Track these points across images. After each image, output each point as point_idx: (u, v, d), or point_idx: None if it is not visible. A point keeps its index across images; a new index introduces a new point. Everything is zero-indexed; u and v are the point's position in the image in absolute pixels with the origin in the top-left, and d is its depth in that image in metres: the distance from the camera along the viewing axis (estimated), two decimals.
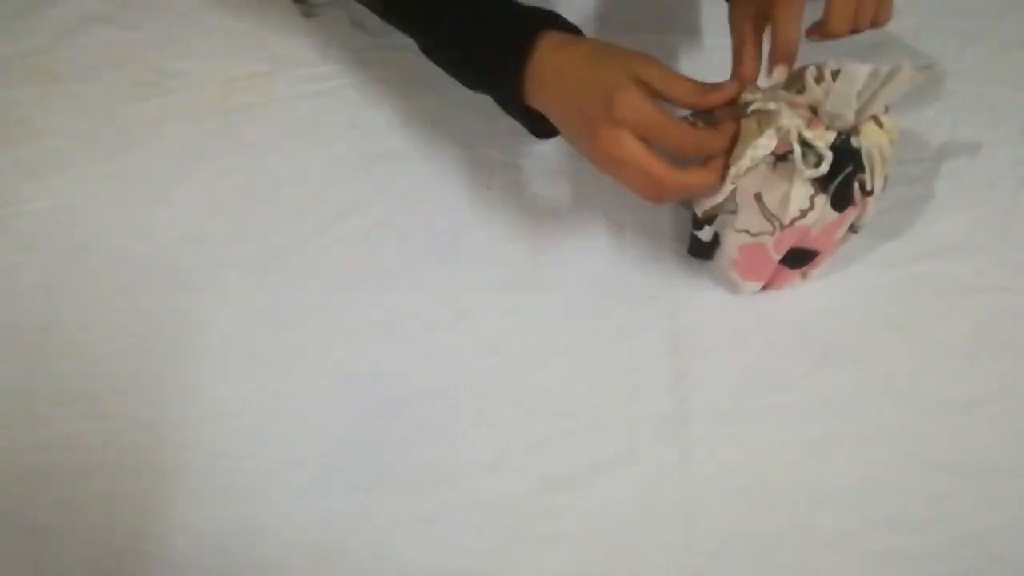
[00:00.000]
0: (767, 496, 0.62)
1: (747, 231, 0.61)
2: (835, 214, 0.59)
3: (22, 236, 0.73)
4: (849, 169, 0.57)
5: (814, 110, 0.56)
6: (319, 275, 0.71)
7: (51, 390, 0.68)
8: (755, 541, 0.61)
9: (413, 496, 0.63)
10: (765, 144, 0.56)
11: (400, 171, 0.74)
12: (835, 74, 0.55)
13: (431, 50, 0.65)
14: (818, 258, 0.64)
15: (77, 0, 0.83)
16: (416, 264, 0.71)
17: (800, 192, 0.57)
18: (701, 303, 0.68)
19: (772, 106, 0.56)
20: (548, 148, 0.74)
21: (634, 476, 0.63)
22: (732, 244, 0.64)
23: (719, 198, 0.60)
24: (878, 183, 0.58)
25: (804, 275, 0.67)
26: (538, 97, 0.58)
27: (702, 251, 0.67)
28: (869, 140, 0.57)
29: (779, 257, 0.63)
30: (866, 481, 0.62)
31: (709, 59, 0.77)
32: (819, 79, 0.56)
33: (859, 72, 0.54)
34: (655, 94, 0.56)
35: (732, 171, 0.57)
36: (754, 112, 0.57)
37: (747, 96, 0.57)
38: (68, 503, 0.64)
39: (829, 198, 0.58)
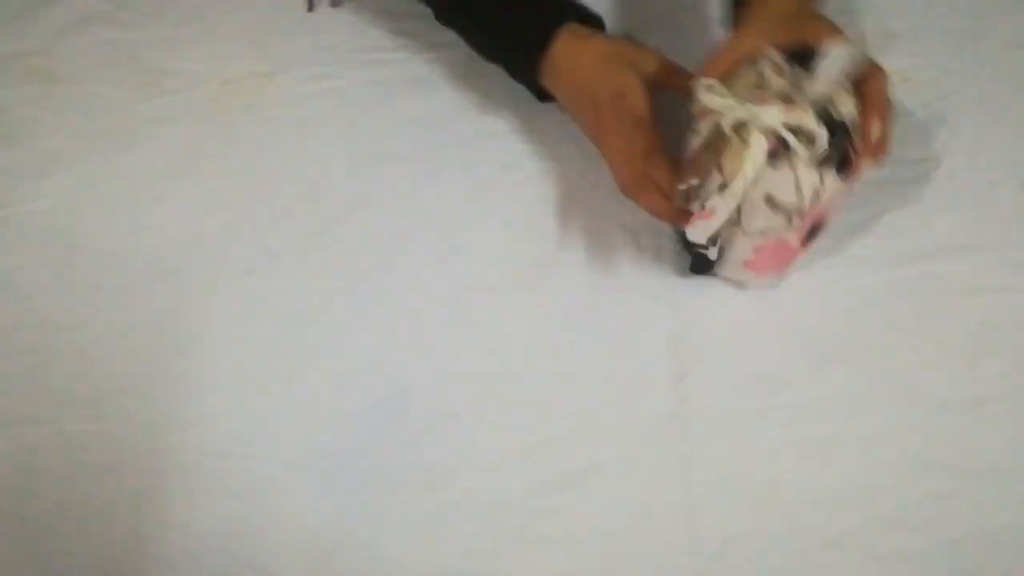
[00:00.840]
0: (769, 497, 0.62)
1: (760, 232, 0.61)
2: (841, 183, 0.60)
3: (20, 236, 0.73)
4: (839, 137, 0.58)
5: (783, 98, 0.57)
6: (318, 275, 0.71)
7: (49, 391, 0.67)
8: (757, 542, 0.61)
9: (412, 497, 0.63)
10: (760, 146, 0.56)
11: (399, 172, 0.74)
12: (791, 62, 0.57)
13: (450, 13, 0.72)
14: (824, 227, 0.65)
15: (76, 0, 0.82)
16: (415, 264, 0.71)
17: (808, 177, 0.58)
18: (702, 303, 0.68)
19: (745, 114, 0.56)
20: (548, 148, 0.74)
21: (635, 477, 0.63)
22: (743, 248, 0.63)
23: (720, 219, 0.59)
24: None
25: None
26: (551, 82, 0.67)
27: (705, 267, 0.67)
28: (846, 106, 0.58)
29: (801, 243, 0.63)
30: (868, 482, 0.62)
31: None
32: (778, 71, 0.57)
33: (842, 52, 0.55)
34: (658, 84, 0.65)
35: (738, 184, 0.57)
36: (731, 128, 0.57)
37: (707, 100, 0.58)
38: (66, 504, 0.64)
39: (834, 169, 0.58)
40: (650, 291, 0.69)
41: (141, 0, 0.83)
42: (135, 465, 0.65)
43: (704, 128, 0.60)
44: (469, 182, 0.74)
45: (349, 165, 0.74)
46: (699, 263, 0.66)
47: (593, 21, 0.69)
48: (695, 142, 0.61)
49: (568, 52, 0.65)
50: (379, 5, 0.81)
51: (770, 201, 0.59)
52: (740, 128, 0.57)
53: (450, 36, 0.76)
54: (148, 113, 0.77)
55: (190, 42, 0.81)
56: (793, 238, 0.62)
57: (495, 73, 0.72)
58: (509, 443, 0.64)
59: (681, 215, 0.60)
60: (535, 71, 0.67)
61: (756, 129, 0.56)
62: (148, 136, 0.76)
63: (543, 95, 0.70)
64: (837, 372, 0.65)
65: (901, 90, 0.74)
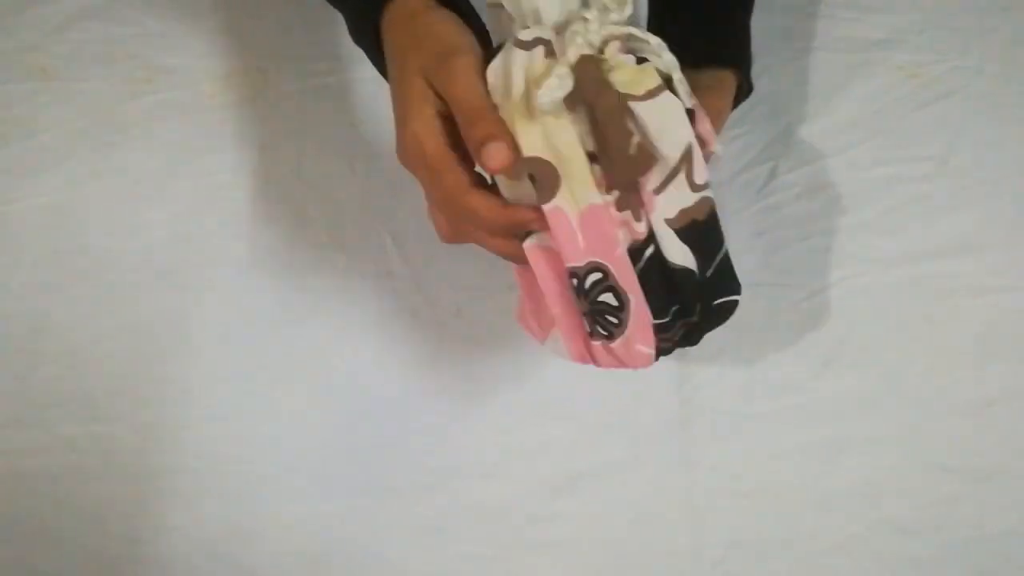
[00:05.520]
0: (773, 501, 0.62)
1: None
2: None
3: (13, 236, 0.73)
4: None
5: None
6: (314, 275, 0.70)
7: (43, 392, 0.67)
8: (761, 547, 0.61)
9: (409, 501, 0.63)
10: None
11: (397, 169, 0.73)
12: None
13: None
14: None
15: None
16: (413, 263, 0.70)
17: None
18: None
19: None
20: None
21: (637, 481, 0.63)
22: None
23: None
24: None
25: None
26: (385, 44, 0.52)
27: (732, 278, 0.51)
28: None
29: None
30: (874, 485, 0.62)
31: None
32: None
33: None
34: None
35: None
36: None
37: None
38: (60, 506, 0.64)
39: None
40: None
41: None
42: (128, 468, 0.65)
43: None
44: None
45: (347, 163, 0.74)
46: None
47: None
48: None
49: (395, 23, 0.50)
50: None
51: None
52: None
53: None
54: (141, 110, 0.77)
55: (184, 39, 0.80)
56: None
57: None
58: (508, 446, 0.64)
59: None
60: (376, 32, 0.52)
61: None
62: (141, 133, 0.76)
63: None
64: (842, 374, 0.65)
65: (908, 86, 0.74)
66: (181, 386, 0.67)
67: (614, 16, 0.45)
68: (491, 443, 0.64)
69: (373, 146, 0.74)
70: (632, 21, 0.46)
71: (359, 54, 0.77)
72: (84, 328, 0.69)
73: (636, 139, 0.44)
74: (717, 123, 0.58)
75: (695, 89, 0.49)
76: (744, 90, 0.63)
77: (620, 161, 0.44)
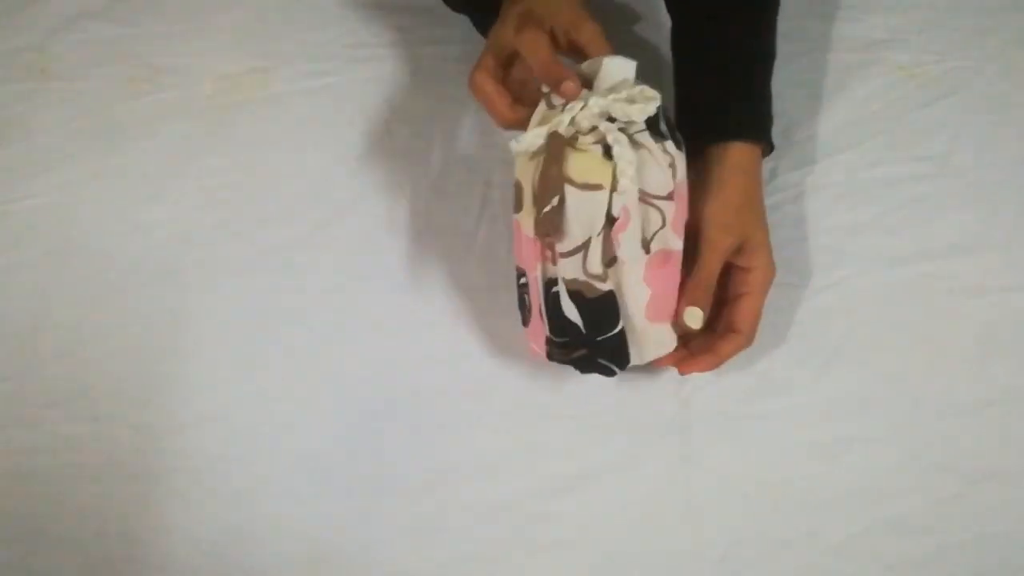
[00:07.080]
0: (773, 501, 0.62)
1: (647, 244, 0.57)
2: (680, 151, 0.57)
3: (14, 234, 0.73)
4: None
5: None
6: (314, 275, 0.70)
7: (42, 391, 0.67)
8: (761, 547, 0.60)
9: (409, 500, 0.63)
10: (622, 138, 0.54)
11: (397, 169, 0.73)
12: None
13: None
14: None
15: None
16: (414, 263, 0.70)
17: (662, 150, 0.56)
18: None
19: (569, 115, 0.55)
20: None
21: (636, 481, 0.62)
22: (635, 283, 0.57)
23: (632, 221, 0.55)
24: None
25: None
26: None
27: (620, 355, 0.59)
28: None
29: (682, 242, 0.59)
30: (873, 485, 0.62)
31: None
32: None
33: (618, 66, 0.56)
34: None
35: (627, 178, 0.53)
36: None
37: (527, 140, 0.56)
38: (59, 506, 0.64)
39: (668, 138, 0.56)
40: None
41: None
42: (129, 468, 0.65)
43: (531, 168, 0.56)
44: (468, 180, 0.73)
45: (346, 163, 0.74)
46: (614, 353, 0.59)
47: None
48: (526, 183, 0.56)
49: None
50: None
51: (643, 195, 0.55)
52: (571, 140, 0.55)
53: (447, 31, 0.76)
54: (142, 110, 0.77)
55: (184, 38, 0.80)
56: (675, 236, 0.57)
57: None
58: (508, 446, 0.64)
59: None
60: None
61: (599, 127, 0.54)
62: (142, 134, 0.76)
63: None
64: (842, 374, 0.65)
65: (908, 86, 0.74)
66: (181, 386, 0.67)
67: (636, 108, 0.54)
68: (491, 443, 0.64)
69: (373, 147, 0.74)
70: (659, 111, 0.56)
71: (359, 54, 0.79)
72: (84, 327, 0.69)
73: (548, 208, 0.53)
74: (755, 200, 0.63)
75: (719, 166, 0.61)
76: (767, 151, 0.66)
77: (536, 216, 0.54)
